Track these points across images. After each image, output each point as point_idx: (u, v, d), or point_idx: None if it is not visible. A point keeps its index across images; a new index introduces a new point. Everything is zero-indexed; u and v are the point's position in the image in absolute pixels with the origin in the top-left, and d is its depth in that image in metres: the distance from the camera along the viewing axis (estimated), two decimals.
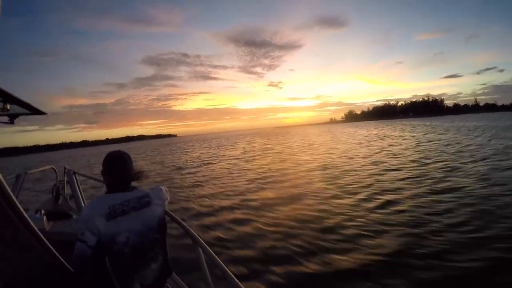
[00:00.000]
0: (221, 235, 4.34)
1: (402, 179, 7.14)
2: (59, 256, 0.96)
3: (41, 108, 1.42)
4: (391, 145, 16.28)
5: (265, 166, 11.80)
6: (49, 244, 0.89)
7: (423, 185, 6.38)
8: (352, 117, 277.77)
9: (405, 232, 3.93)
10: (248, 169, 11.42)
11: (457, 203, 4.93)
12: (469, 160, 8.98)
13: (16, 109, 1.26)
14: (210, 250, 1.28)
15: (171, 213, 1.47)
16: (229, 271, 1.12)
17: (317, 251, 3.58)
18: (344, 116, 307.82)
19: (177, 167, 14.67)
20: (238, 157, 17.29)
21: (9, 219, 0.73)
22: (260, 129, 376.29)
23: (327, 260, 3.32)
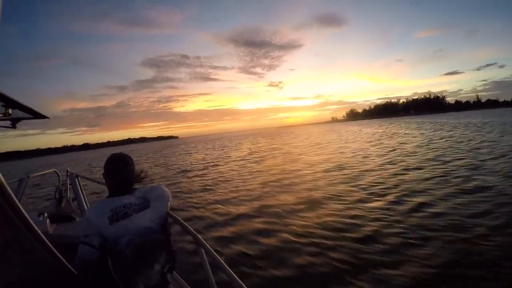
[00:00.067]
0: (246, 250, 3.76)
1: (427, 179, 6.78)
2: (62, 259, 0.97)
3: (42, 112, 1.43)
4: (403, 143, 15.89)
5: (276, 168, 11.25)
6: (52, 247, 0.90)
7: (451, 184, 6.13)
8: (354, 116, 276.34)
9: (452, 238, 3.58)
10: (259, 171, 10.89)
11: (493, 203, 4.66)
12: (488, 157, 8.73)
13: (18, 113, 1.26)
14: (213, 251, 1.25)
15: (172, 213, 1.40)
16: (232, 272, 1.10)
17: (364, 266, 3.09)
18: (345, 115, 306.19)
19: (182, 169, 14.13)
20: (245, 158, 16.76)
21: (11, 222, 0.74)
22: (262, 129, 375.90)
23: (380, 276, 2.86)
